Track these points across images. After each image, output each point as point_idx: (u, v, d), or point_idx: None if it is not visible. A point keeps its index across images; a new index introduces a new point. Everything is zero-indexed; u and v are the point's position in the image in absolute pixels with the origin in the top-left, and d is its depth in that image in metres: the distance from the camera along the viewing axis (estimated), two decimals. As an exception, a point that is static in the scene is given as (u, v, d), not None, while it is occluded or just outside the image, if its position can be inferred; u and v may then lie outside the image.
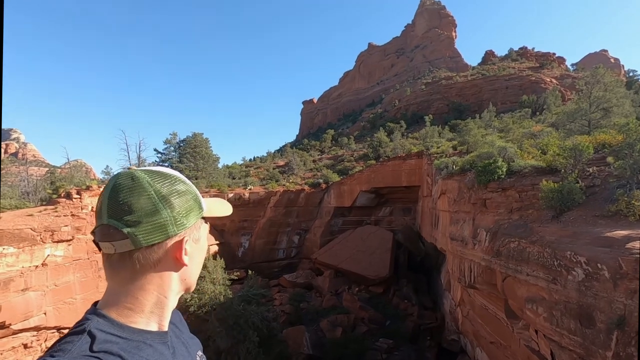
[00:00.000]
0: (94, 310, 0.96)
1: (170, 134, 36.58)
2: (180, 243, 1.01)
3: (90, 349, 0.83)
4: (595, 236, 6.23)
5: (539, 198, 8.74)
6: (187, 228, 1.02)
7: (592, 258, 5.59)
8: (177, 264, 1.03)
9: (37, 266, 11.45)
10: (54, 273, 11.92)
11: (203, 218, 1.11)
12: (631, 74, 68.18)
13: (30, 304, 10.76)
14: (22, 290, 10.65)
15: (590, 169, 9.21)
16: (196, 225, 1.07)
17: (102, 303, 0.98)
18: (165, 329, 1.05)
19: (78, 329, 0.89)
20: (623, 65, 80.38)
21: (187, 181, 1.08)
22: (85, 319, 0.93)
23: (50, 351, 0.83)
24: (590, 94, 17.32)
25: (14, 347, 10.16)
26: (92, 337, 0.86)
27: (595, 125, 16.29)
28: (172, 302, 1.08)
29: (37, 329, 10.76)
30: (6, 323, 9.93)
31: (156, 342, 0.98)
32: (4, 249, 10.61)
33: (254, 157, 70.54)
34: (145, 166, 1.12)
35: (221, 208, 1.19)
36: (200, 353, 1.23)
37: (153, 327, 1.01)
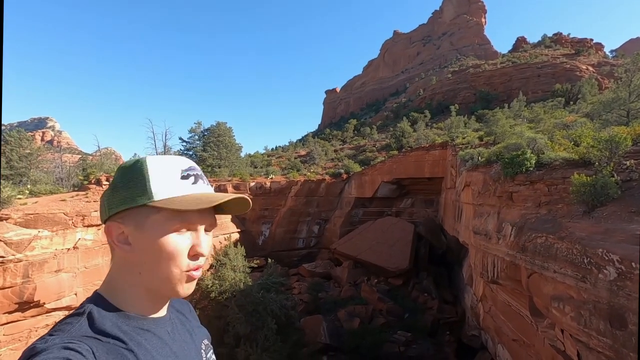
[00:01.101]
0: (94, 295, 1.01)
1: (195, 123, 37.28)
2: (110, 226, 0.99)
3: (89, 330, 0.88)
4: (630, 233, 5.85)
5: (570, 192, 8.28)
6: (118, 211, 0.97)
7: (626, 256, 5.26)
8: (119, 250, 0.99)
9: (69, 249, 12.02)
10: (84, 256, 12.50)
11: (170, 210, 0.97)
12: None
13: (62, 285, 11.35)
14: (55, 271, 11.23)
15: (628, 162, 8.62)
16: (138, 212, 0.97)
17: (102, 288, 1.03)
18: (163, 314, 1.09)
19: (78, 311, 0.94)
20: (669, 52, 74.50)
21: (152, 164, 1.00)
22: (85, 303, 0.97)
23: (50, 331, 0.87)
24: (630, 81, 16.17)
25: (47, 325, 10.76)
26: (91, 319, 0.91)
27: (634, 115, 15.24)
28: (151, 295, 1.04)
29: (68, 308, 11.34)
30: (41, 302, 10.53)
31: (153, 327, 1.02)
32: (39, 231, 11.18)
33: (276, 147, 71.10)
34: (171, 154, 1.10)
35: (190, 201, 0.98)
36: (206, 342, 1.25)
37: (150, 313, 1.05)
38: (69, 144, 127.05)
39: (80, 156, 49.02)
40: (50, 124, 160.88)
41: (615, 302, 5.24)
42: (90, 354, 0.81)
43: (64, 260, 11.60)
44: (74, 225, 12.31)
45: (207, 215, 1.04)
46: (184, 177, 1.02)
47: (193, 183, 1.02)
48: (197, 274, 1.04)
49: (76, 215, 12.50)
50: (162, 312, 1.09)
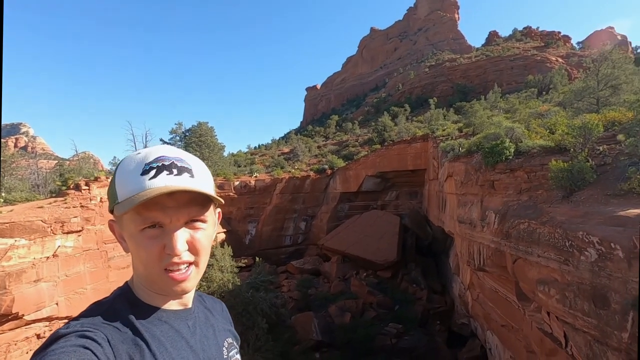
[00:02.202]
0: (124, 284, 1.08)
1: (175, 124, 36.57)
2: (110, 223, 1.05)
3: (109, 318, 0.93)
4: (608, 215, 6.08)
5: (549, 178, 8.55)
6: (110, 210, 0.99)
7: (605, 238, 5.46)
8: (121, 246, 1.03)
9: (48, 257, 11.54)
10: (64, 264, 12.04)
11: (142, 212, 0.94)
12: (639, 51, 66.41)
13: (42, 295, 10.89)
14: (34, 281, 10.76)
15: (601, 148, 8.97)
16: (123, 215, 0.95)
17: (130, 279, 1.08)
18: (187, 307, 1.11)
19: (105, 299, 1.02)
20: (630, 42, 77.58)
21: (121, 163, 0.99)
22: (115, 291, 1.06)
23: (78, 315, 0.94)
24: (598, 71, 16.83)
25: (27, 338, 10.35)
26: (113, 307, 0.98)
27: (604, 103, 15.87)
28: (153, 290, 1.03)
29: (49, 319, 10.93)
30: (19, 314, 10.08)
31: (172, 319, 1.04)
32: (16, 240, 10.69)
33: (259, 145, 70.27)
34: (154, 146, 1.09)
35: (132, 201, 0.90)
36: (229, 340, 1.26)
37: (171, 306, 1.06)
38: (44, 150, 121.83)
39: (56, 161, 47.23)
40: (23, 129, 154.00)
41: (598, 282, 5.44)
42: (106, 342, 0.85)
43: (43, 269, 11.14)
44: (52, 233, 11.84)
45: (173, 209, 0.94)
46: (144, 172, 0.94)
47: (152, 177, 0.92)
48: (182, 275, 0.96)
49: (55, 222, 12.02)
50: (185, 305, 1.10)
